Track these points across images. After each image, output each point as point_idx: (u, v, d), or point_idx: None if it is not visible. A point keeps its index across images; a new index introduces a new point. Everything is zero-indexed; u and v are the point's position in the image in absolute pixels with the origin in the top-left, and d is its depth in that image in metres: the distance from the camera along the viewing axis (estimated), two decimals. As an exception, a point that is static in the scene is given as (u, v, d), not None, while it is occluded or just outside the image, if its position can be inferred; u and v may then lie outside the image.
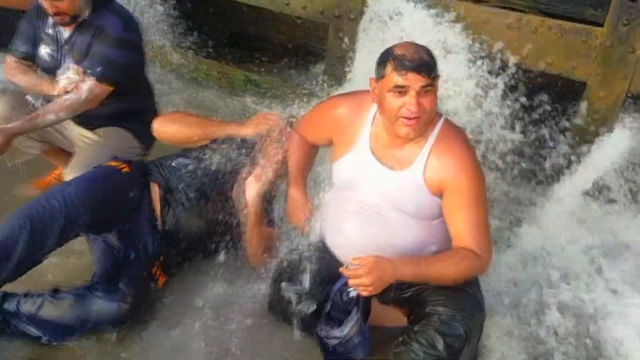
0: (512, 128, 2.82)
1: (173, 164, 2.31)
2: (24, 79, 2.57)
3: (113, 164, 2.26)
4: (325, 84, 3.53)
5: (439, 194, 1.95)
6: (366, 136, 2.03)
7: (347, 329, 1.94)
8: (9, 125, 2.36)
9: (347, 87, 3.31)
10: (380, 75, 1.90)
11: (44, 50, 2.54)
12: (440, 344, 1.84)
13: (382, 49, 1.95)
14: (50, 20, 2.51)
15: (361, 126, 2.05)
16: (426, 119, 1.90)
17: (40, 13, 2.54)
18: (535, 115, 2.87)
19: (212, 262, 2.28)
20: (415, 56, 1.84)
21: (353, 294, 1.93)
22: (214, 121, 2.38)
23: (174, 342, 2.08)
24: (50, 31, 2.52)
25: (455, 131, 2.01)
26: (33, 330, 2.01)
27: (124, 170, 2.24)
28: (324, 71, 3.59)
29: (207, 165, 2.24)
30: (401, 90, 1.84)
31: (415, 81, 1.82)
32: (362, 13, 3.26)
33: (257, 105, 3.83)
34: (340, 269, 1.90)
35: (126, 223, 2.18)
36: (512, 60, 2.87)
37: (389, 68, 1.86)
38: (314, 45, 4.27)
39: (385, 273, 1.83)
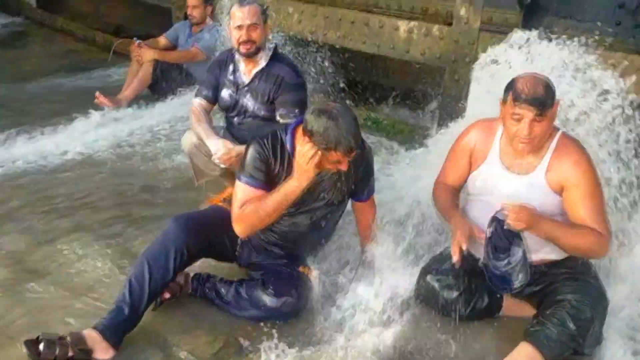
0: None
1: None
2: (196, 122, 3.17)
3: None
4: (440, 120, 3.99)
5: (559, 192, 2.34)
6: (496, 150, 2.46)
7: (514, 260, 2.25)
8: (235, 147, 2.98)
9: (460, 122, 3.63)
10: (504, 100, 2.33)
11: (226, 93, 3.18)
12: (571, 324, 2.20)
13: (492, 89, 2.36)
14: (231, 68, 3.16)
15: (491, 143, 2.48)
16: (540, 138, 2.30)
17: (222, 64, 3.21)
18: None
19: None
20: (530, 91, 2.21)
21: (507, 226, 2.24)
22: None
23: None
24: (231, 77, 3.16)
25: (571, 140, 2.41)
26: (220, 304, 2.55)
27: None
28: (440, 108, 4.06)
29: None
30: (517, 118, 2.27)
31: (528, 113, 2.23)
32: (475, 58, 3.68)
33: (378, 142, 4.36)
34: (502, 203, 2.24)
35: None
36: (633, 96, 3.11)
37: (509, 97, 2.28)
38: (423, 87, 4.76)
39: (533, 216, 2.21)
